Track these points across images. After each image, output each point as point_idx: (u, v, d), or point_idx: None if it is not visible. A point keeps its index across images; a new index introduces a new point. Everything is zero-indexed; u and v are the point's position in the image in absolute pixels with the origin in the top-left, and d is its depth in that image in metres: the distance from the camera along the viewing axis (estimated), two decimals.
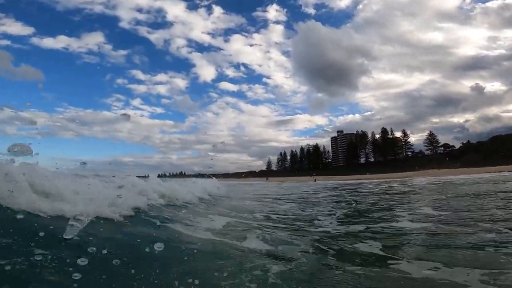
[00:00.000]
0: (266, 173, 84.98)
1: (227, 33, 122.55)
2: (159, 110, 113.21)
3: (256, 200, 10.42)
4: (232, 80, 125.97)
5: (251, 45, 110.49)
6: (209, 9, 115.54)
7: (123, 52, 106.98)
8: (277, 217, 5.90)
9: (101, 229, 2.85)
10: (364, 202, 9.25)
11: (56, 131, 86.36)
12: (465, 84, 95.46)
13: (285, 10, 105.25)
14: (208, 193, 9.33)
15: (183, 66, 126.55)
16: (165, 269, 2.31)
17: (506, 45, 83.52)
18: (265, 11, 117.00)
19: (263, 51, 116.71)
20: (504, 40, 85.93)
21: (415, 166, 56.27)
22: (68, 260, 2.02)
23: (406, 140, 78.96)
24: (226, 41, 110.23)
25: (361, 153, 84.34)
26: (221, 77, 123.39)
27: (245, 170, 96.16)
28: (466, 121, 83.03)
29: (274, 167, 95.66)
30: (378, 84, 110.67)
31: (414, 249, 3.28)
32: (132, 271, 2.10)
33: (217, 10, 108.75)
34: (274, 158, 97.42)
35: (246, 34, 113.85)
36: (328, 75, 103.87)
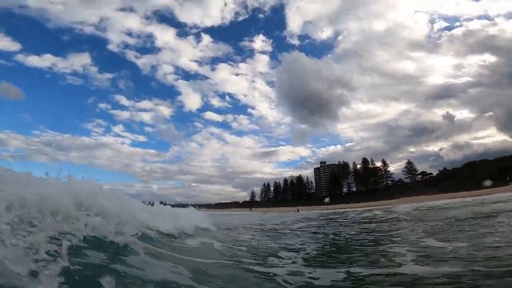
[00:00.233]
0: (250, 204, 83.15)
1: (214, 61, 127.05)
2: (141, 138, 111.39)
3: (226, 228, 9.60)
4: (217, 110, 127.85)
5: (237, 75, 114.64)
6: (198, 37, 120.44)
7: (108, 75, 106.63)
8: (222, 247, 4.95)
9: None
10: (346, 233, 7.91)
11: (31, 154, 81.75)
12: (437, 113, 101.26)
13: (271, 40, 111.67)
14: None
15: (168, 93, 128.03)
16: None
17: (470, 72, 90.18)
18: (251, 41, 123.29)
19: (249, 80, 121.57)
20: (468, 67, 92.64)
21: (396, 194, 57.07)
22: None
23: (386, 169, 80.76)
24: (213, 69, 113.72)
25: (344, 183, 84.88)
26: (206, 107, 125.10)
27: (229, 201, 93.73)
28: (441, 149, 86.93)
29: (258, 198, 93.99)
30: (357, 115, 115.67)
31: None
32: None
33: (206, 38, 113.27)
34: (258, 189, 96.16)
35: (232, 63, 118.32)
36: (310, 105, 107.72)
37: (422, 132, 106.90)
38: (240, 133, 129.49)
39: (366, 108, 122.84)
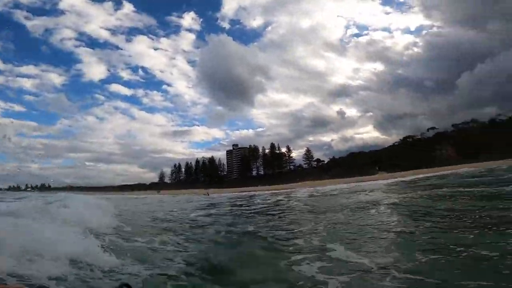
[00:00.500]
0: (158, 186, 79.39)
1: (132, 32, 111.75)
2: (18, 107, 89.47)
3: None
4: (127, 83, 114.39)
5: (156, 49, 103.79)
6: (118, 4, 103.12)
7: None
8: None
9: None
10: (241, 230, 7.04)
11: None
12: (334, 109, 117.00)
13: (201, 19, 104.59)
14: None
15: (63, 60, 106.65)
16: None
17: (364, 76, 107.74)
18: (180, 17, 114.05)
19: (169, 57, 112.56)
20: (363, 72, 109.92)
21: (297, 178, 65.60)
22: None
23: (289, 155, 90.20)
24: (128, 40, 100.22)
25: (253, 166, 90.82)
26: (113, 78, 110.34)
27: (135, 183, 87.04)
28: (332, 140, 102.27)
29: (167, 180, 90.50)
30: (271, 103, 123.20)
31: None
32: None
33: (128, 6, 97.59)
34: (168, 170, 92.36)
35: (153, 37, 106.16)
36: (229, 89, 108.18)
37: (320, 124, 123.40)
38: (151, 110, 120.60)
39: (279, 98, 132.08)
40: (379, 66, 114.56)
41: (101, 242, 4.89)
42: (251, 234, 6.53)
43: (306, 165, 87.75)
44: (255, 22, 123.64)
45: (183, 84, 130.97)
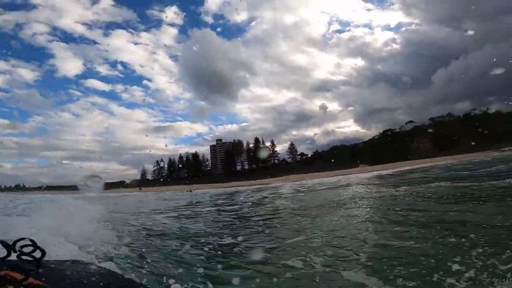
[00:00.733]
0: (140, 183, 77.40)
1: (110, 26, 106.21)
2: None
3: None
4: (104, 79, 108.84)
5: (136, 44, 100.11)
6: None
7: None
8: None
9: None
10: (217, 242, 5.43)
11: None
12: (316, 103, 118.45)
13: (184, 14, 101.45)
14: None
15: (35, 55, 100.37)
16: None
17: (345, 72, 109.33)
18: (162, 11, 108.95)
19: (149, 51, 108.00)
20: (344, 67, 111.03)
21: (281, 173, 66.09)
22: None
23: (273, 149, 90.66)
24: (106, 35, 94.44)
25: (238, 160, 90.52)
26: (89, 74, 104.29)
27: (115, 180, 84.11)
28: (315, 134, 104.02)
29: (150, 176, 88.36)
30: (254, 98, 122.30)
31: None
32: None
33: (106, 1, 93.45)
34: (150, 167, 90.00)
35: (133, 31, 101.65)
36: (212, 84, 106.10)
37: (303, 118, 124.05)
38: (131, 105, 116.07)
39: (262, 93, 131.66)
40: (359, 62, 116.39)
41: None
42: (225, 252, 4.71)
43: (290, 159, 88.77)
44: (239, 17, 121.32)
45: (165, 79, 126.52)
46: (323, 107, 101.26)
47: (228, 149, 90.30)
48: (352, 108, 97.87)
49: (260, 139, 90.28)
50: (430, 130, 73.73)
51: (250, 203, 13.75)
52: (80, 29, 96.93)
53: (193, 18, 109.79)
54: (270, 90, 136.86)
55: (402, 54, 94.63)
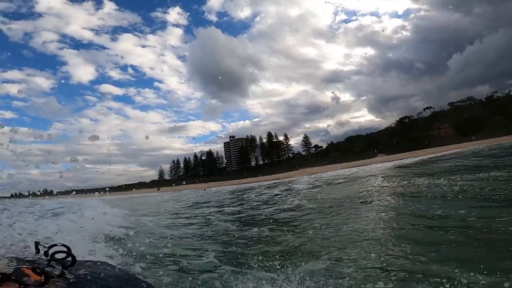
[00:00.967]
0: (158, 183, 78.83)
1: (116, 31, 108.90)
2: (8, 114, 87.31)
3: None
4: (117, 83, 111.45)
5: (143, 46, 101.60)
6: (98, 3, 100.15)
7: None
8: None
9: None
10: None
11: None
12: (328, 95, 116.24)
13: (188, 14, 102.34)
14: None
15: (48, 63, 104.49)
16: None
17: (355, 61, 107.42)
18: (165, 12, 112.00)
19: (157, 53, 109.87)
20: (354, 57, 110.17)
21: (296, 166, 65.21)
22: None
23: (287, 143, 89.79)
24: (113, 39, 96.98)
25: (252, 156, 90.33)
26: (102, 79, 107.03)
27: (135, 182, 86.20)
28: (328, 125, 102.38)
29: (167, 176, 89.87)
30: (264, 93, 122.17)
31: None
32: None
33: (109, 5, 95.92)
34: (167, 167, 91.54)
35: (139, 34, 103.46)
36: (222, 81, 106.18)
37: (315, 110, 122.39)
38: (145, 108, 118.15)
39: (272, 87, 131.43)
40: (369, 51, 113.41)
41: None
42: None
43: (305, 152, 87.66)
44: (243, 13, 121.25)
45: (175, 80, 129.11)
46: (335, 98, 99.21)
47: (241, 146, 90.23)
48: (365, 97, 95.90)
49: (273, 134, 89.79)
50: (450, 115, 70.51)
51: (260, 202, 12.27)
52: (88, 35, 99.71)
53: (196, 18, 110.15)
54: (280, 84, 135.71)
55: (413, 41, 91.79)
